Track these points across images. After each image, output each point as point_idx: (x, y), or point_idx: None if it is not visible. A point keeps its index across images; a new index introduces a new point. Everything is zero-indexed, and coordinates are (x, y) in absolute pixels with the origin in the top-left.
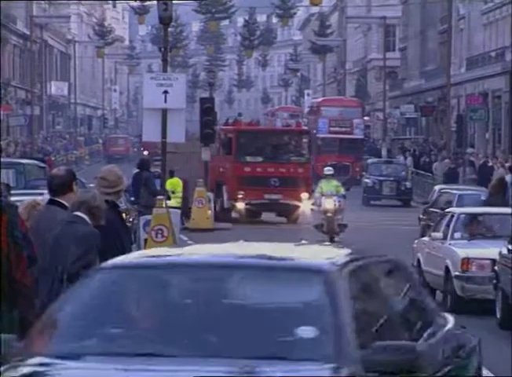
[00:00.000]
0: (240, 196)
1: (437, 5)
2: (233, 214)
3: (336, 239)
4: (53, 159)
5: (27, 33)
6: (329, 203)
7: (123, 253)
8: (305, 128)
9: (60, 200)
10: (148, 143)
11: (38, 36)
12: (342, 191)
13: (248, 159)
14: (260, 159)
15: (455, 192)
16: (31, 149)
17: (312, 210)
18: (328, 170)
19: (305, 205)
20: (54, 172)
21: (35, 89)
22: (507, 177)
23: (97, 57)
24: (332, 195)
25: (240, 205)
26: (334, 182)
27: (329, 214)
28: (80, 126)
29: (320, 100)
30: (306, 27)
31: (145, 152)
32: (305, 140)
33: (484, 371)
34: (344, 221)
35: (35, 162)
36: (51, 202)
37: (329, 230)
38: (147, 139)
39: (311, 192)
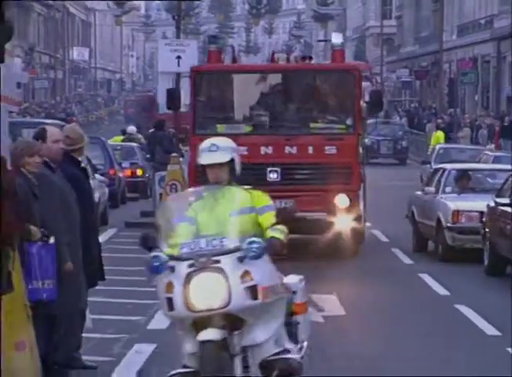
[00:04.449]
0: None
1: None
2: None
3: None
4: (74, 119)
5: (51, 2)
6: None
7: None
8: (356, 65)
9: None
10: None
11: (60, 5)
12: None
13: (219, 129)
14: (245, 128)
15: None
16: (55, 110)
17: (358, 230)
18: None
19: (343, 220)
20: None
21: (58, 55)
22: None
23: (116, 25)
24: None
25: None
26: None
27: None
28: (100, 89)
29: None
30: None
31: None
32: (352, 90)
33: (473, 314)
34: None
35: (57, 121)
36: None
37: None
38: (161, 100)
39: (355, 194)
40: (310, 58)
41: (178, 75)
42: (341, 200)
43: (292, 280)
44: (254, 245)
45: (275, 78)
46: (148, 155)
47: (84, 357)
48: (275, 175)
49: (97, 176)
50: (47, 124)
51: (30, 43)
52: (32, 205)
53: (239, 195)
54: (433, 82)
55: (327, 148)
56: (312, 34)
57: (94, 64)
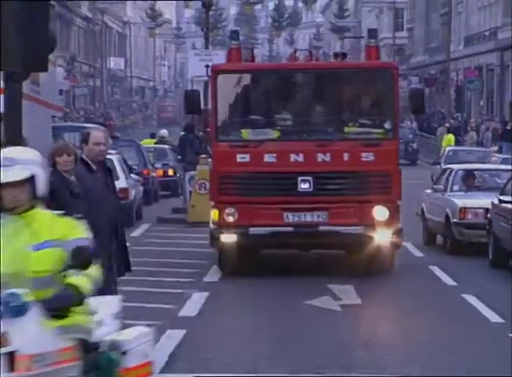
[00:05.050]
0: (229, 218)
1: None
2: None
3: None
4: (112, 123)
5: (90, 16)
6: None
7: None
8: (393, 62)
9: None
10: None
11: (99, 19)
12: None
13: (244, 134)
14: (273, 133)
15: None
16: (94, 115)
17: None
18: None
19: (382, 234)
20: None
21: (97, 64)
22: None
23: (149, 37)
24: None
25: (228, 237)
26: None
27: None
28: (135, 96)
29: None
30: (327, 11)
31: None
32: (390, 90)
33: (478, 302)
34: None
35: (96, 125)
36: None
37: None
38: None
39: (395, 206)
40: (344, 55)
41: (207, 83)
42: (379, 212)
43: (129, 334)
44: (15, 298)
45: (305, 78)
46: (178, 157)
47: None
48: (306, 185)
49: (133, 175)
50: (87, 128)
51: (71, 54)
52: (68, 202)
53: (46, 224)
54: (442, 89)
55: (363, 154)
56: (331, 46)
57: (129, 73)
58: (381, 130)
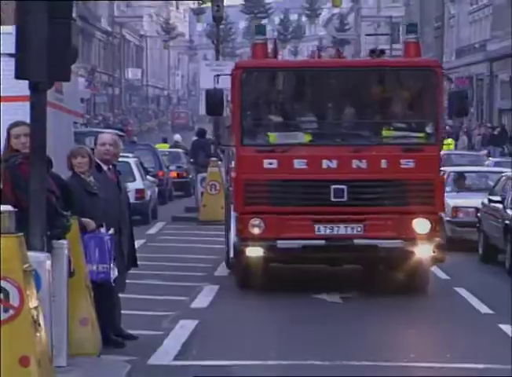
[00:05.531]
0: (255, 229)
1: (432, 6)
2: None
3: None
4: (130, 129)
5: (110, 30)
6: None
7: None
8: (437, 60)
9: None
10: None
11: (117, 32)
12: None
13: (272, 138)
14: (304, 137)
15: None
16: (112, 121)
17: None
18: None
19: (422, 249)
20: None
21: (115, 74)
22: None
23: (164, 49)
24: None
25: (253, 251)
26: None
27: None
28: (151, 103)
29: None
30: (329, 25)
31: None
32: (433, 90)
33: (470, 295)
34: None
35: (115, 131)
36: None
37: None
38: (203, 113)
39: (437, 217)
40: (382, 52)
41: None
42: (420, 225)
43: None
44: None
45: (340, 76)
46: (191, 159)
47: (138, 331)
48: (340, 194)
49: (149, 177)
50: (103, 133)
51: (92, 65)
52: (85, 201)
53: None
54: None
55: (403, 161)
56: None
57: (146, 82)
58: (422, 134)
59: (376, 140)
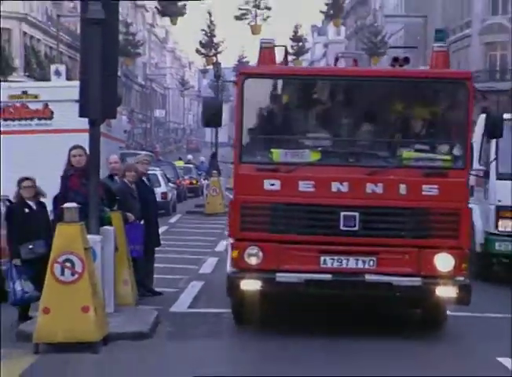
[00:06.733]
0: (251, 259)
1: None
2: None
3: None
4: (157, 151)
5: (143, 83)
6: None
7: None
8: (469, 72)
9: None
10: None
11: (149, 85)
12: None
13: (275, 155)
14: (311, 155)
15: None
16: (145, 146)
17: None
18: None
19: (445, 290)
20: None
21: (147, 114)
22: None
23: (180, 96)
24: None
25: (249, 284)
26: None
27: None
28: (171, 133)
29: None
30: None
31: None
32: (463, 107)
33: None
34: None
35: (147, 152)
36: None
37: None
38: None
39: (463, 253)
40: (406, 60)
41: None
42: (442, 261)
43: None
44: None
45: (355, 87)
46: (199, 172)
47: (162, 289)
48: (351, 222)
49: (170, 184)
50: (139, 154)
51: (131, 107)
52: (130, 202)
53: None
54: None
55: (425, 187)
56: None
57: (168, 119)
58: (448, 157)
59: (395, 161)
